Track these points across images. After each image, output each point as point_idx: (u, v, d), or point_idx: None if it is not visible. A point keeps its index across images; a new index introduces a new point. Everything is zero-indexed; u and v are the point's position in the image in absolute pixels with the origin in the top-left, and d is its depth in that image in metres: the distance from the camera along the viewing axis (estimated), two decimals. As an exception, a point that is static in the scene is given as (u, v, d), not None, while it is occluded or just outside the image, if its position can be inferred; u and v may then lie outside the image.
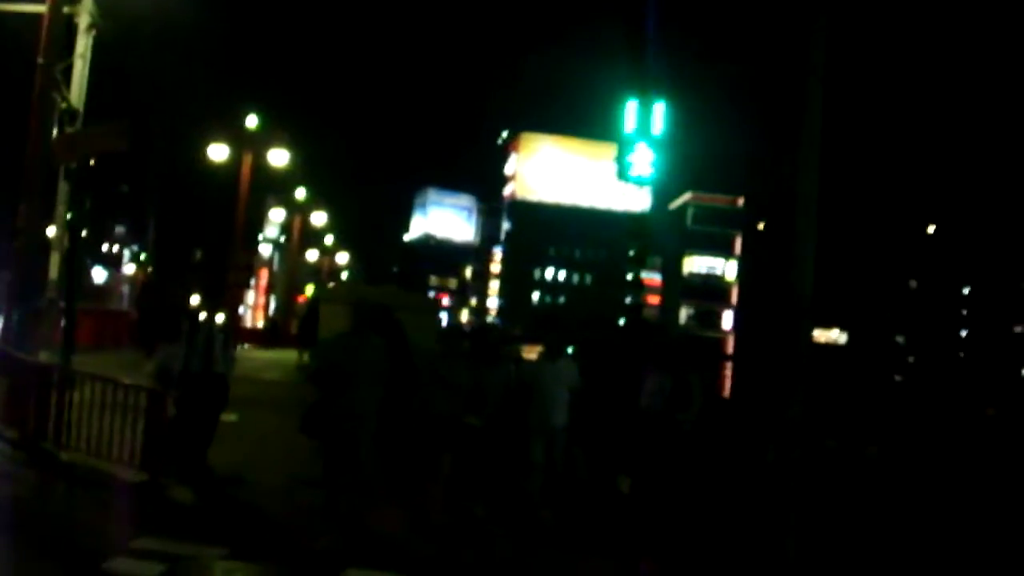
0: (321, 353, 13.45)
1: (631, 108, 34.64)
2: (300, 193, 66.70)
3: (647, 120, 34.63)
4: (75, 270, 17.94)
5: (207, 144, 45.58)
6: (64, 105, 21.76)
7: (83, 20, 23.72)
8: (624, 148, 34.86)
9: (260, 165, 48.42)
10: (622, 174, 35.30)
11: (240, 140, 45.78)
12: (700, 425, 15.62)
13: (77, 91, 22.93)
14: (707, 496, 15.01)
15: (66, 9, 22.49)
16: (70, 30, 23.39)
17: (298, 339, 33.89)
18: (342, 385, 11.88)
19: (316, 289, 39.19)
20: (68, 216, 19.79)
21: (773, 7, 11.73)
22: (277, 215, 71.79)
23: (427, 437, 13.18)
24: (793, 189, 11.73)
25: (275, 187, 66.02)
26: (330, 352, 12.47)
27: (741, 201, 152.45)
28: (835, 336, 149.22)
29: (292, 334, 56.09)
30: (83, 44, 23.58)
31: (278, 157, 47.16)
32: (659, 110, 34.91)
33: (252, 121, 46.33)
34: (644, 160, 34.70)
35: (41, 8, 21.94)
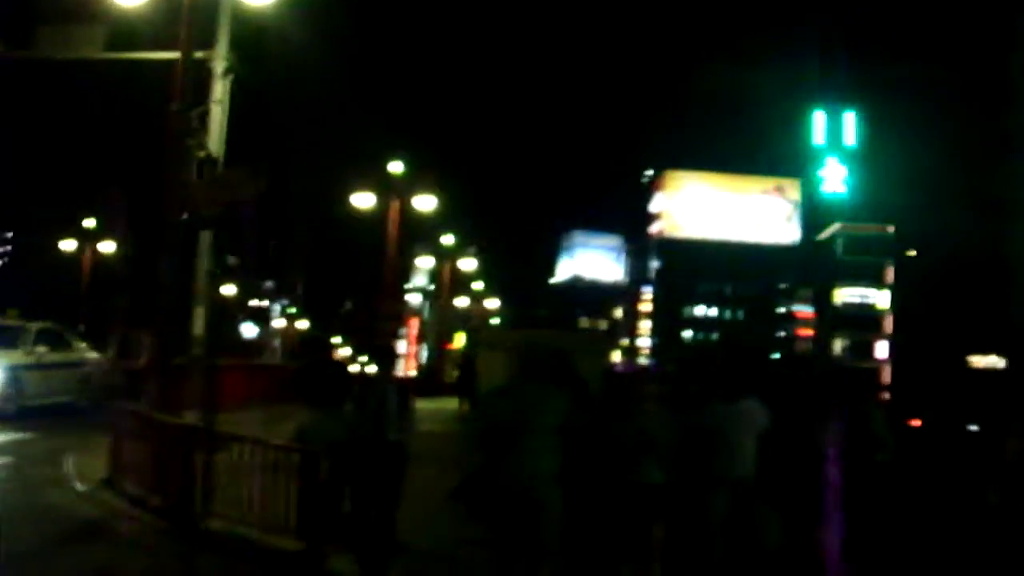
0: (484, 409, 11.02)
1: (819, 119, 32.03)
2: (448, 239, 65.84)
3: (838, 131, 32.21)
4: (218, 323, 16.84)
5: (353, 192, 44.80)
6: (203, 153, 20.83)
7: (219, 65, 22.91)
8: (814, 162, 32.25)
9: (407, 211, 47.54)
10: (814, 192, 32.75)
11: (386, 186, 44.89)
12: (899, 466, 13.77)
13: (216, 138, 22.06)
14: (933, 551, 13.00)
15: (199, 54, 21.57)
16: (206, 76, 22.59)
17: (456, 388, 32.99)
18: (509, 447, 9.67)
19: (470, 335, 37.79)
20: (209, 268, 18.85)
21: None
22: (425, 262, 71.04)
23: (634, 508, 10.38)
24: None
25: (423, 233, 65.30)
26: (495, 407, 10.18)
27: (891, 229, 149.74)
28: (993, 362, 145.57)
29: (447, 383, 55.31)
30: (220, 90, 22.75)
31: (425, 202, 46.15)
32: (850, 120, 32.26)
33: (397, 167, 45.39)
34: (836, 176, 32.35)
35: (173, 55, 21.07)
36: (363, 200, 44.31)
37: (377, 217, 47.63)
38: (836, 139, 31.68)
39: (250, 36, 23.93)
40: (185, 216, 17.76)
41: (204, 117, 21.92)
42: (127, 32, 24.08)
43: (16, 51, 25.31)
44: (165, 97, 20.82)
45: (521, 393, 9.92)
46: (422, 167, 47.83)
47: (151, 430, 14.83)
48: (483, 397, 11.17)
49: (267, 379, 36.10)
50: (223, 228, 13.53)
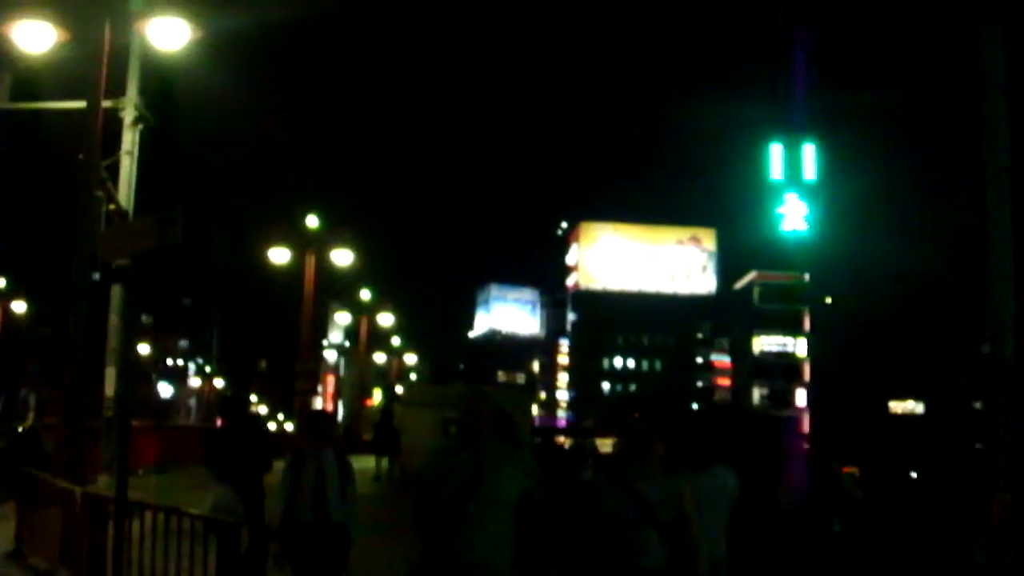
0: (427, 478, 8.04)
1: (775, 152, 31.39)
2: (364, 295, 64.80)
3: (797, 165, 31.59)
4: (132, 382, 15.81)
5: (268, 246, 43.75)
6: (111, 207, 19.90)
7: (128, 114, 22.02)
8: (772, 198, 31.56)
9: (323, 266, 46.53)
10: (772, 228, 31.94)
11: (302, 241, 43.76)
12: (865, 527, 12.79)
13: (125, 189, 21.20)
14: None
15: (108, 103, 20.60)
16: (117, 126, 21.67)
17: (373, 446, 31.74)
18: (458, 522, 7.60)
19: (387, 392, 36.61)
20: (121, 324, 17.87)
21: (939, 14, 9.57)
22: (342, 318, 69.90)
23: None
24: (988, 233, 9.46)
25: (339, 289, 64.29)
26: (437, 476, 7.86)
27: (807, 276, 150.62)
28: (912, 407, 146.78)
29: (365, 440, 54.71)
30: (129, 140, 21.88)
31: (342, 257, 45.16)
32: (809, 152, 31.62)
33: (313, 221, 44.39)
34: (797, 213, 31.70)
35: (79, 104, 20.10)
36: (279, 255, 43.27)
37: (293, 272, 46.62)
38: (795, 173, 31.10)
39: (160, 83, 22.98)
40: (94, 269, 16.83)
41: (114, 168, 21.04)
42: (31, 80, 23.14)
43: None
44: (73, 148, 19.83)
45: (477, 451, 7.78)
46: (338, 221, 47.09)
47: (58, 499, 13.85)
48: (434, 454, 7.68)
49: (183, 441, 34.97)
50: (133, 281, 12.62)
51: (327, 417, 18.13)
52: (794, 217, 31.09)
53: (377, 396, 77.22)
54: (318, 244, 44.55)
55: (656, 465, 8.25)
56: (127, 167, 21.54)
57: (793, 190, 31.04)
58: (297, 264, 45.28)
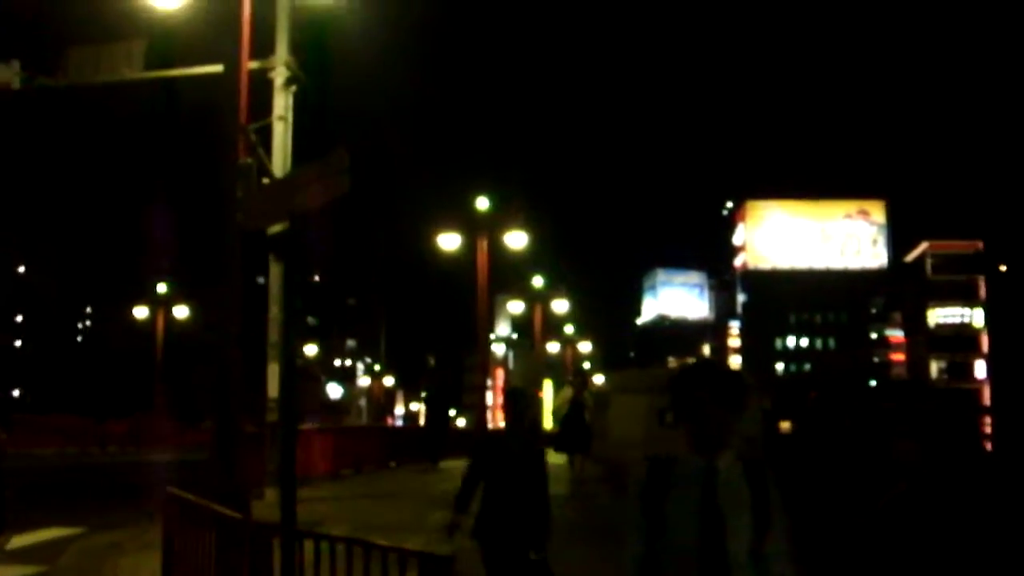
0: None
1: None
2: (537, 282, 61.87)
3: None
4: (297, 382, 12.90)
5: (435, 234, 40.99)
6: (265, 180, 17.14)
7: (279, 75, 19.31)
8: None
9: (495, 252, 43.51)
10: None
11: (472, 225, 40.81)
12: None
13: (280, 158, 18.46)
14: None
15: (255, 64, 17.90)
16: (265, 87, 18.99)
17: (561, 443, 26.90)
18: None
19: (571, 381, 32.71)
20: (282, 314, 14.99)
21: None
22: (513, 307, 66.80)
23: None
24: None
25: (510, 275, 61.31)
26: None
27: (980, 244, 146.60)
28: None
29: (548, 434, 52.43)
30: (281, 103, 19.15)
31: (516, 239, 41.79)
32: None
33: (483, 203, 41.29)
34: None
35: (216, 68, 17.43)
36: (448, 241, 40.44)
37: (462, 259, 43.89)
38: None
39: (315, 41, 20.20)
40: (242, 241, 13.95)
41: (266, 136, 18.37)
42: (171, 47, 20.58)
43: (41, 78, 21.71)
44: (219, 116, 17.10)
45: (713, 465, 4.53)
46: (510, 201, 43.79)
47: (207, 523, 10.92)
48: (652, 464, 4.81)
49: (359, 443, 32.30)
50: (291, 250, 9.85)
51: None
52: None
53: (548, 388, 74.52)
54: (490, 227, 41.50)
55: None
56: (280, 133, 18.86)
57: None
58: (467, 250, 42.45)
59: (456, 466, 34.13)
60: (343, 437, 31.42)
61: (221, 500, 11.20)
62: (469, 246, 41.98)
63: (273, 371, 18.01)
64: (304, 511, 15.21)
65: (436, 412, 37.03)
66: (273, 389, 18.03)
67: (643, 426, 20.92)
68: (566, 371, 73.97)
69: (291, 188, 10.54)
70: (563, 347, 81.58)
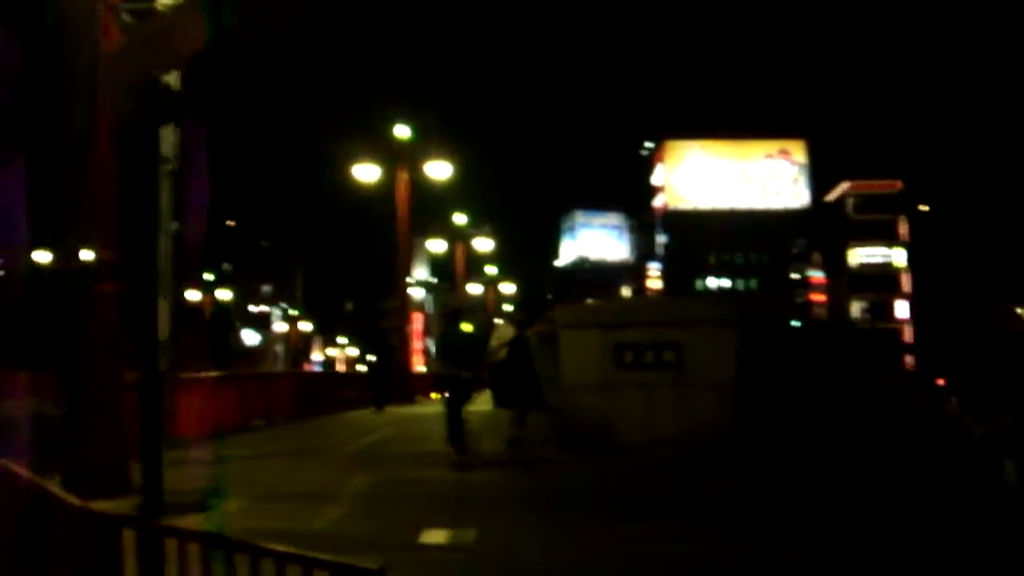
0: None
1: None
2: (460, 219, 59.38)
3: None
4: (154, 305, 10.00)
5: (351, 165, 38.28)
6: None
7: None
8: None
9: (416, 189, 40.85)
10: None
11: (392, 155, 38.09)
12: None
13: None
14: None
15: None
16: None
17: (499, 394, 22.01)
18: None
19: (511, 318, 29.42)
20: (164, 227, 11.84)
21: None
22: (434, 245, 63.95)
23: None
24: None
25: (432, 214, 58.61)
26: None
27: (899, 184, 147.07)
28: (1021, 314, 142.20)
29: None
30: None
31: (438, 170, 38.98)
32: None
33: (404, 132, 38.56)
34: None
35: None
36: (365, 172, 37.73)
37: (380, 195, 41.32)
38: None
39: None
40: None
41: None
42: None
43: None
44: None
45: None
46: (431, 132, 41.10)
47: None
48: None
49: (271, 391, 29.70)
50: (178, 113, 7.16)
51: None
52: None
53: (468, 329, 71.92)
54: (410, 158, 38.86)
55: None
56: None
57: None
58: (386, 186, 39.78)
59: (395, 411, 32.88)
60: (253, 385, 28.71)
61: (76, 475, 8.55)
62: (389, 181, 39.41)
63: (163, 308, 15.30)
64: (197, 476, 12.75)
65: (382, 360, 37.38)
66: (164, 330, 15.33)
67: (599, 367, 18.50)
68: (486, 315, 71.38)
69: (165, 30, 7.82)
70: (485, 289, 79.30)
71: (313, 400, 32.47)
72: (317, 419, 30.01)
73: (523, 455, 18.71)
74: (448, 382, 19.75)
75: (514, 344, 20.10)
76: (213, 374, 26.95)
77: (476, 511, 12.34)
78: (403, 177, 38.22)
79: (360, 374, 60.21)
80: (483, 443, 19.20)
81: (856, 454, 15.52)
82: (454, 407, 19.30)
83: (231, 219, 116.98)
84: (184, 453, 15.24)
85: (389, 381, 36.36)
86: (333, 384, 41.56)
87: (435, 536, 11.09)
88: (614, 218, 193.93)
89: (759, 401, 17.72)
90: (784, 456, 15.76)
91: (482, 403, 22.36)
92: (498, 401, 20.84)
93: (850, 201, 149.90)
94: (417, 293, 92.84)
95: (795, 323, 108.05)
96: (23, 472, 7.14)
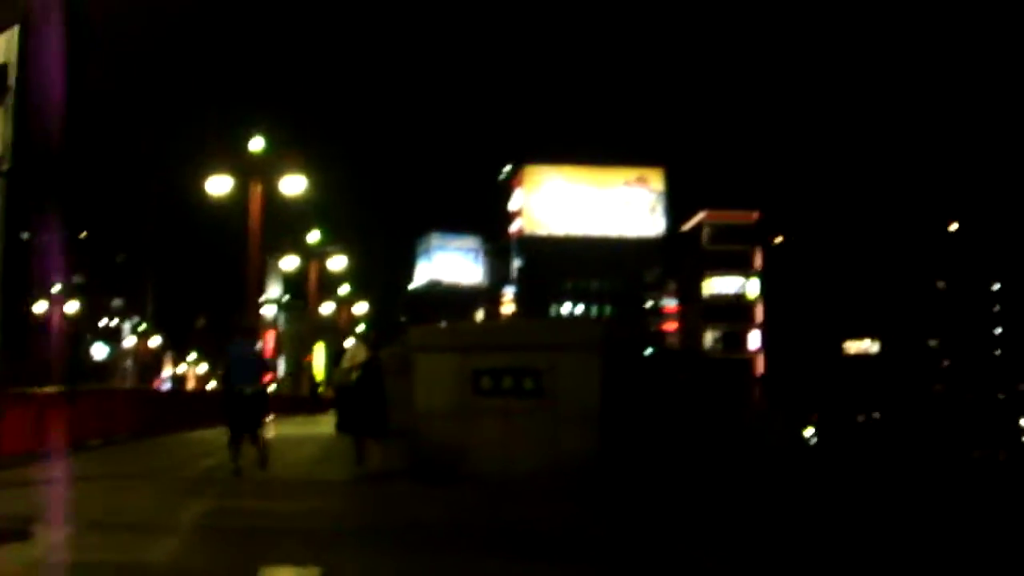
0: None
1: None
2: (313, 236, 58.48)
3: None
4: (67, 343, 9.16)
5: (205, 178, 37.22)
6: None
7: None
8: None
9: (270, 204, 40.00)
10: None
11: (246, 168, 37.15)
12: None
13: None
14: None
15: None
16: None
17: (343, 418, 21.06)
18: None
19: (362, 338, 28.65)
20: None
21: None
22: (287, 263, 63.04)
23: None
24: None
25: (286, 231, 57.78)
26: None
27: (755, 215, 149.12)
28: (866, 346, 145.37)
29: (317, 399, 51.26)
30: None
31: (293, 184, 38.06)
32: None
33: (258, 144, 37.69)
34: None
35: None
36: (219, 184, 36.65)
37: (236, 209, 40.36)
38: None
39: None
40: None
41: None
42: None
43: None
44: None
45: None
46: (287, 146, 40.26)
47: None
48: None
49: (111, 408, 28.54)
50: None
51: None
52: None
53: (319, 352, 71.21)
54: (264, 172, 37.91)
55: None
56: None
57: None
58: (240, 200, 38.81)
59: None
60: (90, 401, 27.44)
61: None
62: (242, 193, 38.43)
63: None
64: (19, 500, 11.84)
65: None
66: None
67: (455, 393, 17.62)
68: (339, 335, 70.25)
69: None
70: (338, 308, 78.25)
71: (155, 418, 31.44)
72: (159, 438, 29.06)
73: (371, 485, 17.91)
74: (232, 400, 19.09)
75: (367, 366, 19.35)
76: (47, 389, 25.83)
77: (321, 547, 11.49)
78: (256, 191, 37.28)
79: (209, 392, 59.52)
80: (326, 470, 18.48)
81: (723, 487, 15.46)
82: (235, 426, 18.97)
83: (84, 230, 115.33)
84: (7, 474, 14.28)
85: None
86: (178, 401, 40.63)
87: (277, 575, 10.24)
88: (471, 241, 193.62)
89: (624, 431, 17.05)
90: (651, 490, 15.30)
91: (325, 426, 21.68)
92: (340, 425, 20.29)
93: (706, 231, 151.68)
94: (270, 311, 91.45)
95: (648, 351, 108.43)
96: None
